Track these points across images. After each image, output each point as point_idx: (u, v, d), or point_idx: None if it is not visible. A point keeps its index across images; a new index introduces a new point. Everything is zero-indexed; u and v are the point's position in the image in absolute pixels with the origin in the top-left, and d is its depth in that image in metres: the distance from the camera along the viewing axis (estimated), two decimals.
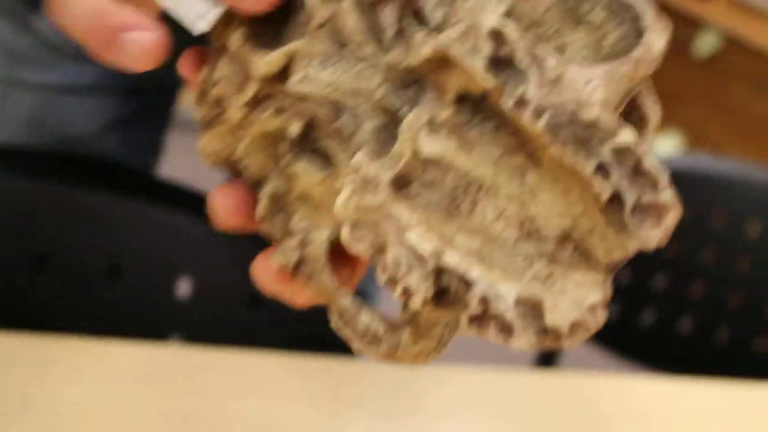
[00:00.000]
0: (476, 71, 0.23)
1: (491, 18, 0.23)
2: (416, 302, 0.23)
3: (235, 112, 0.27)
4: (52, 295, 0.64)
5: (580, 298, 0.23)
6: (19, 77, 0.65)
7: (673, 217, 0.22)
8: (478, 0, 0.24)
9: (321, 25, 0.26)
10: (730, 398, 0.60)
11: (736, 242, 0.89)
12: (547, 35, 0.25)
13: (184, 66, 0.31)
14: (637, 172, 0.22)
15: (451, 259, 0.23)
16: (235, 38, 0.27)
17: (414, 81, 0.25)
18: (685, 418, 0.57)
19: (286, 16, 0.27)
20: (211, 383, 0.53)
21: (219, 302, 0.66)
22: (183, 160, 2.28)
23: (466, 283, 0.23)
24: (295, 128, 0.26)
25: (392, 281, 0.24)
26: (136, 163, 0.73)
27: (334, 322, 0.28)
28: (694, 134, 2.37)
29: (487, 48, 0.23)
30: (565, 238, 0.24)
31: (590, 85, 0.23)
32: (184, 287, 0.65)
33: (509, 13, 0.25)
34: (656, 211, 0.22)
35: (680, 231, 0.90)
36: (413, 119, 0.24)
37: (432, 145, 0.24)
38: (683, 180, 0.88)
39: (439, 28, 0.25)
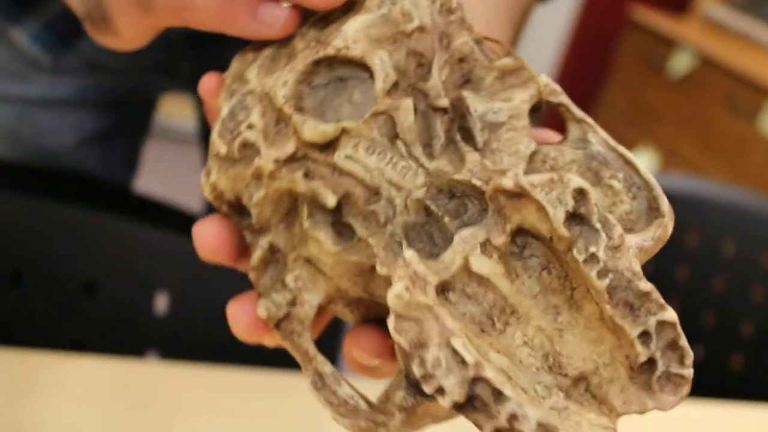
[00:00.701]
0: (556, 220, 0.25)
1: (578, 178, 0.26)
2: (446, 402, 0.25)
3: (267, 163, 0.28)
4: (28, 311, 0.64)
5: None
6: None
7: (687, 390, 0.25)
8: (516, 133, 0.28)
9: (378, 114, 0.27)
10: (702, 416, 0.60)
11: (710, 262, 0.90)
12: None
13: (205, 89, 0.32)
14: (673, 346, 0.25)
15: (489, 373, 0.25)
16: (281, 93, 0.28)
17: (457, 195, 0.27)
18: None
19: (335, 86, 0.29)
20: (189, 400, 0.53)
21: (197, 318, 0.65)
22: (158, 169, 2.27)
23: (500, 397, 0.24)
24: (331, 200, 0.28)
25: (427, 378, 0.25)
26: (114, 177, 0.72)
27: (312, 383, 0.29)
28: (669, 152, 2.39)
29: (570, 202, 0.25)
30: (580, 378, 0.26)
31: (631, 253, 0.26)
32: (161, 303, 0.65)
33: (536, 152, 0.28)
34: (678, 381, 0.25)
35: None
36: (470, 235, 0.26)
37: (482, 265, 0.26)
38: None
39: (482, 151, 0.28)
